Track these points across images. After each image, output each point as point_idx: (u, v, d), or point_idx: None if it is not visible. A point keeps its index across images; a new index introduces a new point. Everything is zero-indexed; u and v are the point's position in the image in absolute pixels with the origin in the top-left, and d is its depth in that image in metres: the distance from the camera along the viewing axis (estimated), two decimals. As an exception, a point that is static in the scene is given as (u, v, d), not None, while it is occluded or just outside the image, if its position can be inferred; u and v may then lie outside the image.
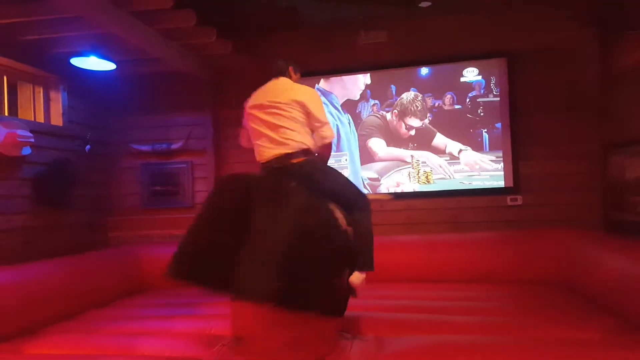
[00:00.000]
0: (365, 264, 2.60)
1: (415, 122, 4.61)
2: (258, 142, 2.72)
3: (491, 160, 4.44)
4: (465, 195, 4.47)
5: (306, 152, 2.63)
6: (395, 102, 4.64)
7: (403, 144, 4.64)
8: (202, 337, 2.79)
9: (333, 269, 2.42)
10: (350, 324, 2.83)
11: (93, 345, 2.79)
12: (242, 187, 2.49)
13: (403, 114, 4.64)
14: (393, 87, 4.67)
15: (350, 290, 2.61)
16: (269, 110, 2.65)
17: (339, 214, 2.50)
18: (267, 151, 2.66)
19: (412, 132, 4.61)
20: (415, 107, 4.60)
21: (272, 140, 2.63)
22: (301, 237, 2.27)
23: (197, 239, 2.42)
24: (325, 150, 2.76)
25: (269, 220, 2.33)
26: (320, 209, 2.44)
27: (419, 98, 4.60)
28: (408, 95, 4.63)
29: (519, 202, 4.36)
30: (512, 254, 3.94)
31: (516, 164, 4.38)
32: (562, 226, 4.09)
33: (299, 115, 2.63)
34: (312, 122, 2.67)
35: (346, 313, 2.91)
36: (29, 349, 2.80)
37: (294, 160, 2.59)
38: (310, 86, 3.00)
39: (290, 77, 2.84)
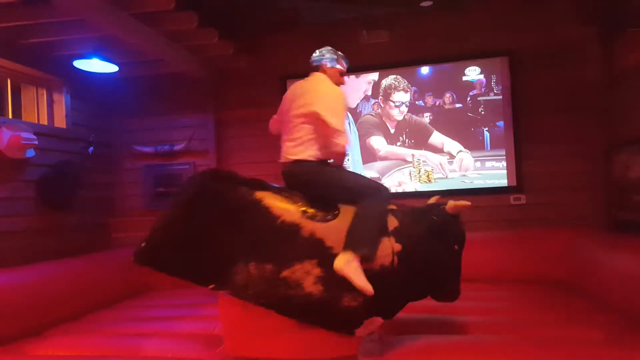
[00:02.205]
0: (360, 247, 2.27)
1: (401, 96, 4.61)
2: (283, 138, 2.71)
3: (493, 159, 4.43)
4: (468, 195, 4.45)
5: (303, 162, 2.58)
6: (379, 91, 4.67)
7: (399, 133, 4.62)
8: (205, 338, 2.80)
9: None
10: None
11: (97, 347, 2.80)
12: (221, 188, 2.43)
13: (387, 95, 4.65)
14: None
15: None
16: (289, 114, 2.64)
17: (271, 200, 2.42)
18: (284, 154, 2.66)
19: (404, 110, 4.60)
20: (397, 83, 4.62)
21: (287, 146, 2.63)
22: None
23: (166, 228, 2.39)
24: (338, 156, 2.62)
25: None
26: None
27: (399, 77, 4.61)
28: (387, 79, 4.64)
29: (523, 201, 4.35)
30: (516, 254, 3.94)
31: (519, 163, 4.37)
32: (566, 225, 4.08)
33: (309, 128, 2.55)
34: (325, 130, 2.52)
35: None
36: (33, 351, 2.81)
37: (291, 165, 2.59)
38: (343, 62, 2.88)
39: (324, 72, 2.72)
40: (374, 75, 4.71)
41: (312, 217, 2.38)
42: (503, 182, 4.41)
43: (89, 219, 4.69)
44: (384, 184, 2.75)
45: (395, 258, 2.39)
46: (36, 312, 3.17)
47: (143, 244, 2.33)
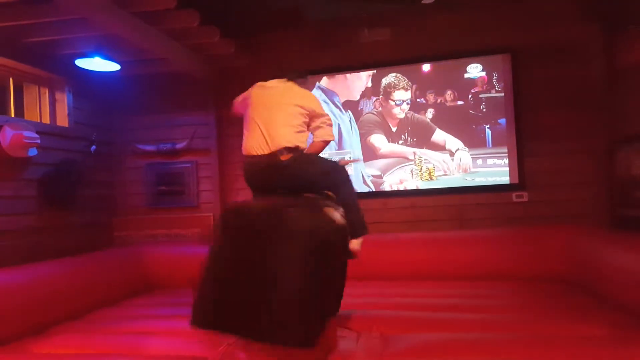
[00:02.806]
0: (361, 230, 2.76)
1: (401, 94, 4.61)
2: (248, 134, 2.79)
3: (494, 156, 4.43)
4: (470, 192, 4.45)
5: (293, 150, 2.69)
6: (380, 90, 4.68)
7: (401, 131, 4.61)
8: (207, 337, 2.80)
9: (338, 272, 2.48)
10: (356, 322, 2.83)
11: (99, 345, 2.81)
12: (245, 222, 2.47)
13: (387, 93, 4.64)
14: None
15: (353, 255, 2.74)
16: (269, 105, 2.75)
17: (335, 215, 2.51)
18: (256, 147, 2.72)
19: (405, 107, 4.60)
20: (396, 81, 4.61)
21: (263, 137, 2.69)
22: (315, 263, 2.28)
23: (212, 283, 2.39)
24: (320, 147, 2.89)
25: (279, 256, 2.30)
26: (321, 225, 2.40)
27: (399, 75, 4.61)
28: (387, 78, 4.65)
29: (525, 199, 4.34)
30: (518, 251, 3.93)
31: (521, 160, 4.36)
32: (569, 222, 4.07)
33: (298, 115, 2.74)
34: (314, 121, 2.82)
35: (352, 311, 2.92)
36: (36, 349, 2.82)
37: (283, 158, 2.66)
38: (312, 84, 3.11)
39: (303, 84, 2.98)
40: (372, 71, 4.71)
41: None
42: (505, 179, 4.40)
43: (91, 217, 4.70)
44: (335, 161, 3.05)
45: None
46: (39, 311, 3.17)
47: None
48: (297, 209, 2.43)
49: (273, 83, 2.91)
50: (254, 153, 2.72)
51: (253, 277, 2.30)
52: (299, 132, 2.73)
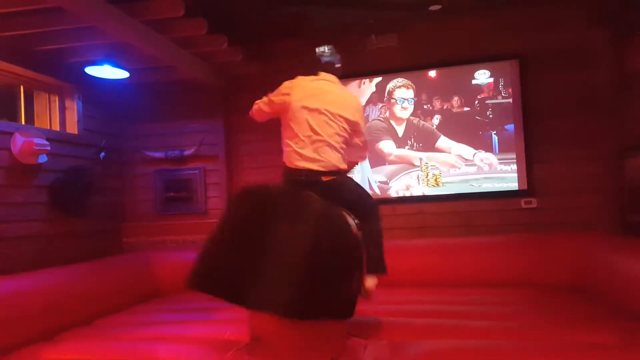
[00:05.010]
0: (379, 268, 2.66)
1: (403, 92, 4.62)
2: (291, 142, 2.62)
3: (501, 162, 4.42)
4: (477, 199, 4.44)
5: (336, 172, 2.62)
6: (384, 95, 4.70)
7: (407, 137, 4.61)
8: (216, 342, 2.80)
9: (346, 274, 2.43)
10: (364, 329, 2.82)
11: (109, 351, 2.81)
12: (257, 202, 2.48)
13: (390, 94, 4.65)
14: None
15: (366, 294, 2.64)
16: (318, 118, 2.58)
17: (350, 220, 2.51)
18: (297, 160, 2.59)
19: (407, 106, 4.60)
20: (397, 82, 4.63)
21: (307, 151, 2.57)
22: (318, 246, 2.28)
23: (214, 252, 2.43)
24: (352, 166, 2.87)
25: (286, 231, 2.33)
26: (334, 216, 2.45)
27: (401, 79, 4.64)
28: (391, 83, 4.68)
29: (534, 205, 4.32)
30: (527, 258, 3.90)
31: (530, 166, 4.34)
32: (578, 229, 4.05)
33: (344, 135, 2.63)
34: (354, 139, 2.73)
35: (360, 318, 2.91)
36: (46, 355, 2.83)
37: (325, 178, 2.58)
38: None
39: (335, 73, 2.79)
40: (378, 78, 4.72)
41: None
42: (512, 185, 4.39)
43: (101, 224, 4.73)
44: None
45: None
46: (48, 317, 3.19)
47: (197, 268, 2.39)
48: (317, 197, 2.47)
49: (316, 83, 2.69)
50: (296, 166, 2.60)
51: (260, 249, 2.33)
52: (343, 154, 2.65)
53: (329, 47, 2.81)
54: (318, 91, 2.64)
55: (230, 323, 3.10)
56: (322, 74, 2.75)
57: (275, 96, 2.75)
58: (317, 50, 2.80)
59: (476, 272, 3.95)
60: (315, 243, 2.27)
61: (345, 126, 2.62)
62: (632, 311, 2.82)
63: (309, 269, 2.23)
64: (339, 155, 2.62)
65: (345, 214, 2.52)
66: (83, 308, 3.52)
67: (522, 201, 4.34)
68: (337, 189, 2.61)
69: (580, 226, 4.11)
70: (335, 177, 2.61)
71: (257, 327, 2.55)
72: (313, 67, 2.77)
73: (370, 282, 2.63)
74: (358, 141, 2.75)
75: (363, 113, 2.80)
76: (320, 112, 2.58)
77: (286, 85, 2.72)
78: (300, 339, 2.39)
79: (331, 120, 2.58)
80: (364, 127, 2.77)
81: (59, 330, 3.22)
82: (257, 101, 2.87)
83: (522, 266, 3.87)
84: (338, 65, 2.82)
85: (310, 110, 2.59)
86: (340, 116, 2.59)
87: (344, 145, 2.65)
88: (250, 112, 2.95)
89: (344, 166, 2.67)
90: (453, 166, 4.51)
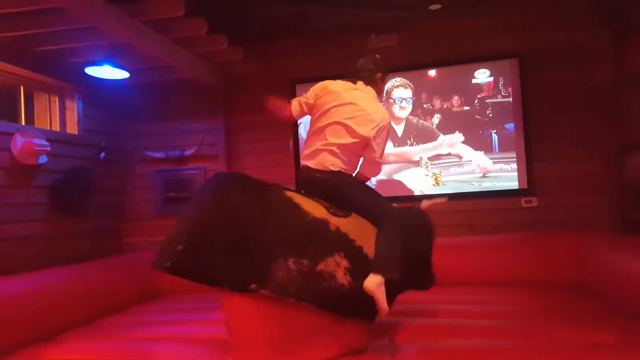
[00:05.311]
0: (386, 270, 2.41)
1: (401, 92, 4.62)
2: (307, 141, 2.73)
3: (501, 162, 4.41)
4: (478, 198, 4.44)
5: (331, 173, 2.61)
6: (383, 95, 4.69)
7: (407, 136, 4.61)
8: (216, 342, 2.80)
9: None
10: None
11: (109, 351, 2.82)
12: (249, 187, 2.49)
13: (388, 94, 4.66)
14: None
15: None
16: (335, 127, 2.61)
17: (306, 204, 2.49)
18: (303, 158, 2.72)
19: (406, 106, 4.60)
20: (395, 82, 4.63)
21: (309, 150, 2.66)
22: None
23: (201, 228, 2.35)
24: (365, 179, 2.81)
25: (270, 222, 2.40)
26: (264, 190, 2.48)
27: (399, 78, 4.63)
28: (388, 83, 4.67)
29: (534, 204, 4.32)
30: (528, 257, 3.90)
31: (530, 165, 4.34)
32: (578, 228, 4.04)
33: (353, 148, 2.62)
34: (369, 153, 2.67)
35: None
36: (47, 356, 2.83)
37: (320, 175, 2.61)
38: (384, 83, 2.90)
39: (376, 86, 2.77)
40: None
41: (334, 214, 2.51)
42: (512, 184, 4.39)
43: (101, 224, 4.73)
44: (409, 211, 2.84)
45: None
46: (49, 317, 3.19)
47: (180, 247, 2.25)
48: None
49: (350, 93, 2.68)
50: (302, 164, 2.72)
51: (242, 235, 2.32)
52: (344, 161, 2.63)
53: (377, 58, 2.80)
54: (346, 102, 2.64)
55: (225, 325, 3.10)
56: (360, 84, 2.74)
57: (308, 94, 2.77)
58: (361, 60, 2.79)
59: (477, 271, 3.95)
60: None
61: (357, 141, 2.60)
62: (633, 310, 2.82)
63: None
64: (339, 160, 2.61)
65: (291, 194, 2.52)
66: (83, 308, 3.52)
67: (523, 200, 4.34)
68: (337, 188, 2.60)
69: (581, 225, 4.10)
70: (331, 176, 2.60)
71: (232, 323, 2.43)
72: (354, 74, 2.76)
73: (370, 281, 2.36)
74: (367, 156, 2.69)
75: (384, 130, 2.65)
76: (339, 124, 2.61)
77: (321, 85, 2.74)
78: (278, 335, 2.34)
79: (345, 133, 2.59)
80: (378, 144, 2.65)
81: (59, 330, 3.23)
82: (294, 99, 2.87)
83: (523, 265, 3.87)
84: (379, 76, 2.78)
85: (330, 118, 2.63)
86: (356, 132, 2.58)
87: (349, 156, 2.63)
88: (282, 112, 2.88)
89: (342, 168, 2.63)
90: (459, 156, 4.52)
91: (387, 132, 2.71)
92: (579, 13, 4.22)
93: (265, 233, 2.33)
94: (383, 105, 4.63)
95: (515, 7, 4.33)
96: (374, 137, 2.61)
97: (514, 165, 4.39)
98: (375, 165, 2.75)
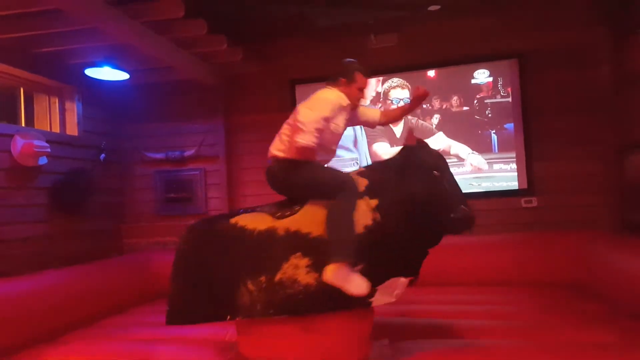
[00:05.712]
0: (337, 254, 2.23)
1: (398, 92, 4.62)
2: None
3: (501, 162, 4.41)
4: (477, 198, 4.43)
5: (275, 160, 2.56)
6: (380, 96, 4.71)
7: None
8: (217, 344, 2.81)
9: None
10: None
11: (110, 352, 2.82)
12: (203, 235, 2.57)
13: (386, 95, 4.67)
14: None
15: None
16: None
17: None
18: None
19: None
20: (392, 82, 4.64)
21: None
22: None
23: (179, 287, 2.52)
24: (298, 152, 2.42)
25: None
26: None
27: (396, 79, 4.65)
28: (386, 83, 4.69)
29: (534, 204, 4.32)
30: (528, 257, 3.90)
31: (530, 165, 4.34)
32: (579, 228, 4.05)
33: (290, 125, 2.49)
34: (294, 122, 2.41)
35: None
36: (48, 356, 2.83)
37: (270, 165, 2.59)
38: (360, 84, 2.63)
39: (343, 88, 2.55)
40: (380, 77, 4.72)
41: (281, 217, 2.47)
42: (512, 184, 4.39)
43: (101, 224, 4.74)
44: (348, 176, 2.49)
45: (377, 214, 2.37)
46: (50, 318, 3.20)
47: (167, 309, 2.51)
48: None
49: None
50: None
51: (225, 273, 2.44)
52: (284, 141, 2.52)
53: (350, 62, 2.66)
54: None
55: (231, 324, 3.10)
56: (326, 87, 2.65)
57: None
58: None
59: (477, 271, 3.95)
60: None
61: (289, 120, 2.52)
62: (633, 310, 2.82)
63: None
64: (278, 140, 2.54)
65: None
66: (84, 309, 3.53)
67: (522, 200, 4.34)
68: (274, 176, 2.54)
69: (581, 225, 4.10)
70: (274, 164, 2.55)
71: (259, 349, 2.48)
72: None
73: (328, 270, 2.21)
74: (297, 124, 2.35)
75: (318, 102, 2.43)
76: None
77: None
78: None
79: (291, 115, 2.53)
80: (304, 112, 2.37)
81: (61, 331, 3.23)
82: None
83: (523, 265, 3.87)
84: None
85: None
86: (296, 110, 2.48)
87: (288, 133, 2.48)
88: None
89: (280, 154, 2.50)
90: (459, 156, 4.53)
91: (323, 101, 2.44)
92: (579, 13, 4.22)
93: (220, 269, 2.43)
94: (380, 106, 4.67)
95: (515, 7, 4.33)
96: (300, 106, 2.45)
97: (514, 166, 4.39)
98: (297, 131, 2.34)
